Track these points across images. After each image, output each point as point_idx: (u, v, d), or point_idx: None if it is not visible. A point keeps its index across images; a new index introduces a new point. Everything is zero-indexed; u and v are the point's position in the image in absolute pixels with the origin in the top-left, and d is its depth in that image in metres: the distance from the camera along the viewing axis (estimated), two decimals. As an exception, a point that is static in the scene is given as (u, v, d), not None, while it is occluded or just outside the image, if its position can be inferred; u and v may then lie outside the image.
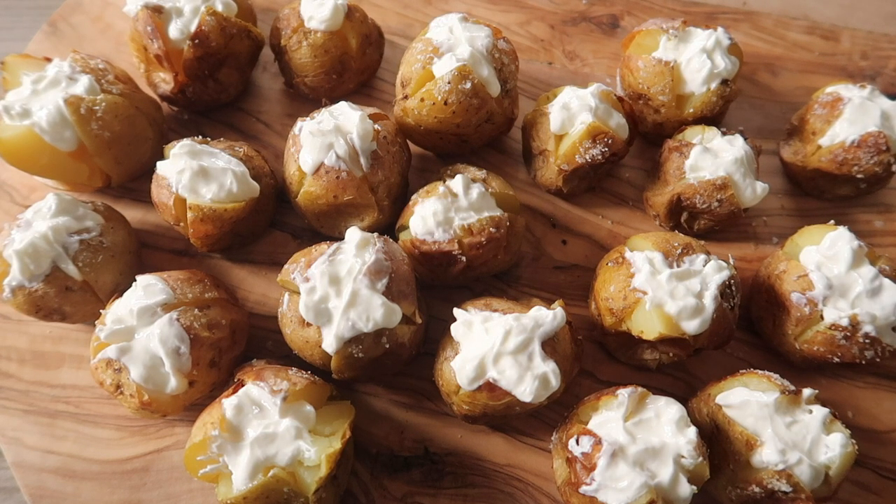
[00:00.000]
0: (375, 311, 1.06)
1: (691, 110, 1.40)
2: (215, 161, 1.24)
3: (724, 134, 1.36)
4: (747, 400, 1.09)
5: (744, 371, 1.18)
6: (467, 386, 1.06)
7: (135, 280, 1.16)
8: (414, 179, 1.44)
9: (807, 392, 1.10)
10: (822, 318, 1.19)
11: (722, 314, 1.15)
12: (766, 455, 1.04)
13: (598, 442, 1.03)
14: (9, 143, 1.22)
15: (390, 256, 1.11)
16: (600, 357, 1.33)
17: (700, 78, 1.36)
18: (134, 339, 1.09)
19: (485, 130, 1.35)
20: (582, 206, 1.48)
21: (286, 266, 1.15)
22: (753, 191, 1.31)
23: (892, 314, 1.16)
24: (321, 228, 1.35)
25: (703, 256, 1.20)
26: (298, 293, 1.09)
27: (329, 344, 1.07)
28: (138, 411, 1.10)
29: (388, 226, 1.34)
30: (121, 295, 1.15)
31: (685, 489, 1.00)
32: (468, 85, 1.23)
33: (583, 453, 1.05)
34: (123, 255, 1.26)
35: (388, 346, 1.10)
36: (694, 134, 1.38)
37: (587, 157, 1.31)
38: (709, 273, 1.16)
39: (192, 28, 1.33)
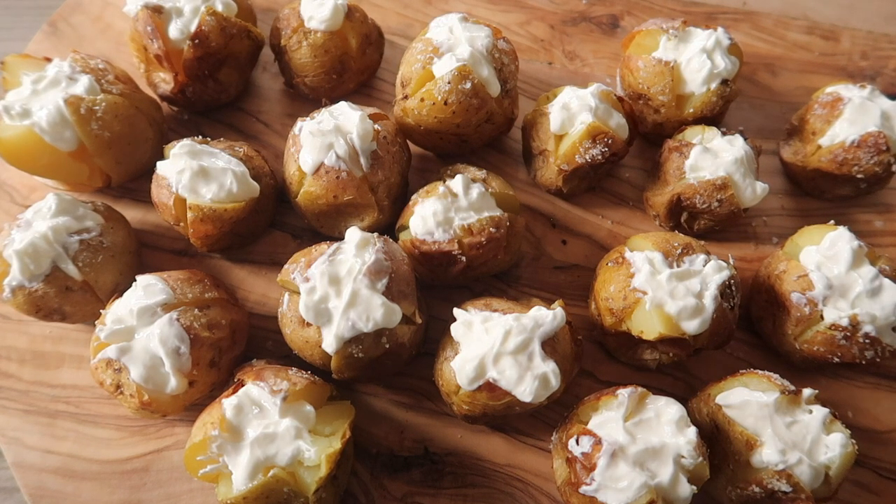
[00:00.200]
0: (375, 311, 1.06)
1: (691, 110, 1.40)
2: (215, 161, 1.24)
3: (724, 134, 1.36)
4: (747, 400, 1.09)
5: (744, 371, 1.18)
6: (467, 386, 1.06)
7: (135, 280, 1.16)
8: (414, 179, 1.44)
9: (807, 392, 1.10)
10: (822, 318, 1.19)
11: (722, 314, 1.15)
12: (766, 455, 1.04)
13: (598, 442, 1.03)
14: (9, 143, 1.22)
15: (390, 256, 1.11)
16: (600, 357, 1.33)
17: (700, 78, 1.36)
18: (134, 339, 1.09)
19: (485, 130, 1.35)
20: (582, 206, 1.48)
21: (286, 266, 1.15)
22: (753, 191, 1.31)
23: (892, 314, 1.16)
24: (321, 228, 1.35)
25: (703, 256, 1.20)
26: (298, 293, 1.09)
27: (329, 344, 1.07)
28: (138, 411, 1.10)
29: (388, 226, 1.34)
30: (121, 295, 1.15)
31: (685, 489, 1.00)
32: (468, 85, 1.23)
33: (583, 453, 1.05)
34: (123, 255, 1.26)
35: (388, 346, 1.10)
36: (694, 134, 1.38)
37: (587, 157, 1.31)
38: (709, 273, 1.16)
39: (192, 28, 1.33)
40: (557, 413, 1.23)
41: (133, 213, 1.40)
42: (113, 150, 1.30)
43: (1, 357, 1.28)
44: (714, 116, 1.41)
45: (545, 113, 1.36)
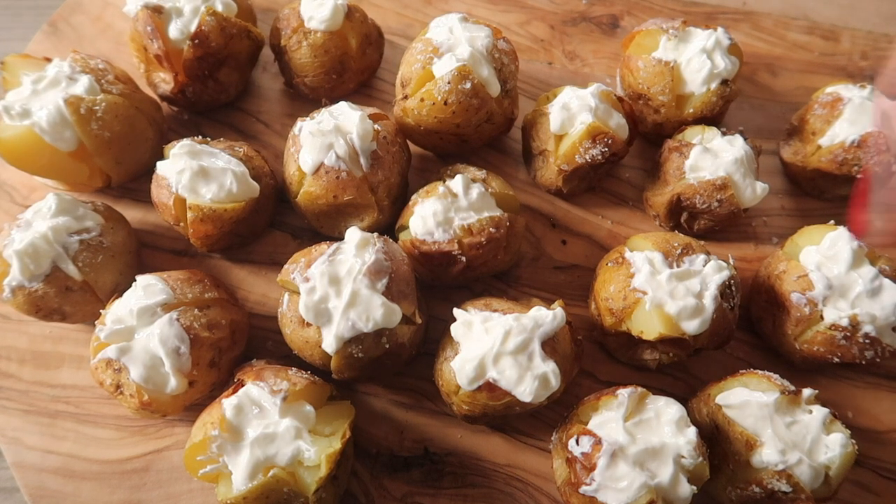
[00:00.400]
0: (375, 311, 1.06)
1: (691, 110, 1.40)
2: (215, 161, 1.24)
3: (724, 134, 1.36)
4: (747, 400, 1.09)
5: (744, 371, 1.18)
6: (467, 386, 1.06)
7: (135, 280, 1.16)
8: (414, 179, 1.44)
9: (807, 392, 1.10)
10: (822, 318, 1.19)
11: (722, 314, 1.15)
12: (766, 455, 1.04)
13: (598, 442, 1.03)
14: (9, 143, 1.22)
15: (390, 256, 1.11)
16: (600, 357, 1.33)
17: (700, 78, 1.36)
18: (134, 339, 1.09)
19: (485, 130, 1.35)
20: (582, 206, 1.48)
21: (286, 266, 1.15)
22: (753, 191, 1.31)
23: (892, 314, 1.16)
24: (321, 228, 1.35)
25: (703, 256, 1.20)
26: (298, 293, 1.09)
27: (329, 344, 1.07)
28: (138, 411, 1.10)
29: (388, 226, 1.34)
30: (121, 295, 1.15)
31: (685, 489, 1.00)
32: (468, 85, 1.23)
33: (583, 453, 1.05)
34: (123, 255, 1.26)
35: (388, 346, 1.10)
36: (694, 134, 1.38)
37: (587, 157, 1.31)
38: (709, 273, 1.16)
39: (192, 28, 1.33)
40: (557, 413, 1.23)
41: (133, 213, 1.40)
42: (113, 150, 1.30)
43: (1, 357, 1.28)
44: (714, 116, 1.41)
45: (545, 113, 1.36)
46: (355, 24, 1.44)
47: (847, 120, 1.37)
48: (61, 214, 1.19)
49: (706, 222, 1.38)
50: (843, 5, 1.78)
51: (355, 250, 1.10)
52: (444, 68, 1.24)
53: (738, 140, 1.34)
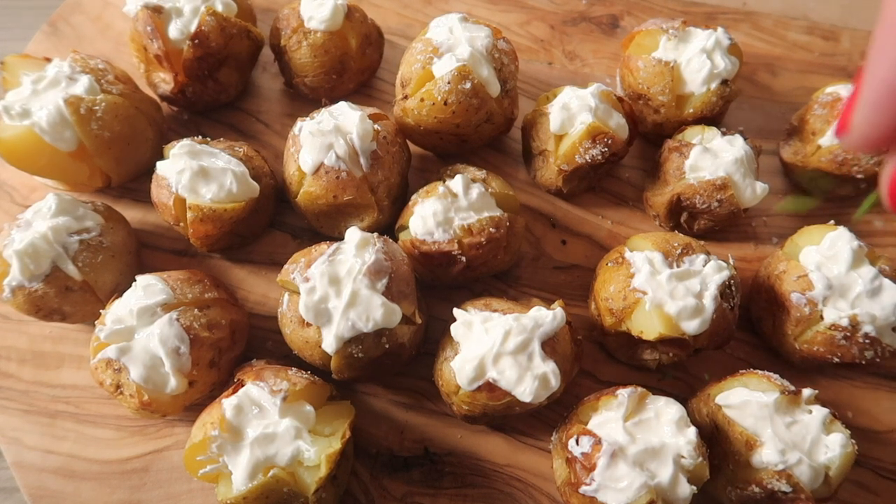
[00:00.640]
0: (375, 311, 1.06)
1: (691, 110, 1.40)
2: (215, 161, 1.24)
3: (724, 134, 1.36)
4: (747, 400, 1.09)
5: (744, 371, 1.18)
6: (467, 386, 1.06)
7: (135, 280, 1.16)
8: (414, 179, 1.44)
9: (807, 392, 1.10)
10: (821, 318, 1.19)
11: (722, 314, 1.15)
12: (766, 455, 1.04)
13: (597, 442, 1.03)
14: (9, 143, 1.22)
15: (390, 256, 1.11)
16: (600, 357, 1.33)
17: (700, 78, 1.36)
18: (134, 339, 1.09)
19: (484, 130, 1.35)
20: (582, 206, 1.48)
21: (286, 266, 1.15)
22: (753, 191, 1.31)
23: (892, 314, 1.16)
24: (321, 228, 1.35)
25: (703, 256, 1.20)
26: (298, 293, 1.09)
27: (329, 344, 1.07)
28: (138, 411, 1.10)
29: (388, 226, 1.34)
30: (121, 295, 1.15)
31: (685, 489, 1.00)
32: (468, 85, 1.23)
33: (583, 453, 1.05)
34: (123, 255, 1.26)
35: (388, 346, 1.10)
36: (694, 134, 1.38)
37: (587, 157, 1.31)
38: (709, 273, 1.16)
39: (192, 28, 1.33)
40: (557, 413, 1.23)
41: (133, 213, 1.40)
42: (113, 150, 1.30)
43: (1, 357, 1.28)
44: (714, 116, 1.41)
45: (545, 113, 1.36)
46: (355, 24, 1.44)
47: (847, 120, 1.37)
48: (61, 214, 1.19)
49: (706, 222, 1.38)
50: (843, 5, 1.78)
51: (355, 250, 1.10)
52: (444, 68, 1.24)
53: (738, 140, 1.34)
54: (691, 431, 1.04)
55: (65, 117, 1.22)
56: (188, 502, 1.18)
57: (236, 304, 1.27)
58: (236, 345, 1.20)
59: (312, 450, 1.01)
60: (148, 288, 1.14)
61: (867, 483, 1.25)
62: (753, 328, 1.36)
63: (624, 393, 1.07)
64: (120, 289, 1.20)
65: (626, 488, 0.99)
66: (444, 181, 1.27)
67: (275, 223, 1.43)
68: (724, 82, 1.37)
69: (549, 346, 1.07)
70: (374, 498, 1.19)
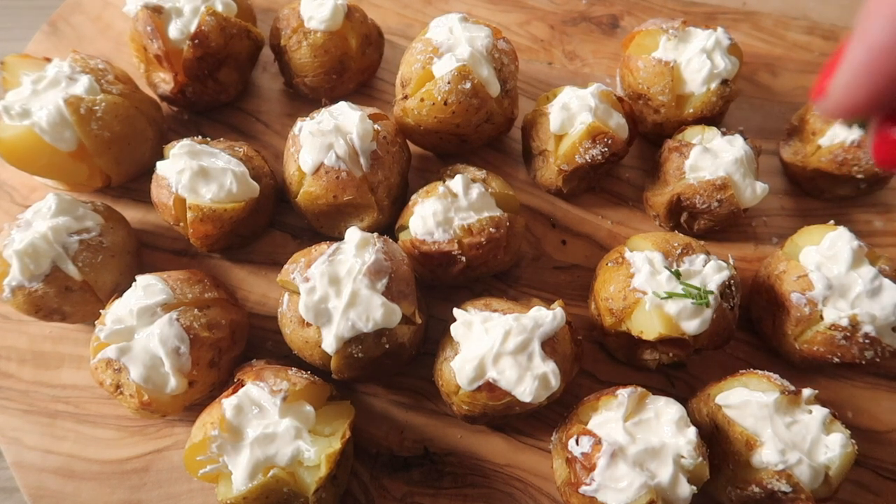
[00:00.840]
0: (375, 311, 1.06)
1: (691, 110, 1.40)
2: (215, 161, 1.24)
3: (724, 134, 1.36)
4: (747, 400, 1.09)
5: (744, 371, 1.18)
6: (467, 386, 1.06)
7: (135, 280, 1.16)
8: (414, 179, 1.44)
9: (807, 392, 1.10)
10: (821, 318, 1.19)
11: (722, 314, 1.15)
12: (766, 455, 1.04)
13: (597, 442, 1.03)
14: (9, 143, 1.22)
15: (390, 256, 1.11)
16: (600, 357, 1.33)
17: (700, 78, 1.36)
18: (134, 339, 1.09)
19: (484, 130, 1.35)
20: (582, 206, 1.48)
21: (286, 266, 1.15)
22: (753, 191, 1.31)
23: (892, 314, 1.16)
24: (321, 228, 1.35)
25: (703, 256, 1.20)
26: (298, 293, 1.09)
27: (329, 344, 1.07)
28: (138, 411, 1.10)
29: (388, 226, 1.34)
30: (121, 295, 1.15)
31: (685, 489, 1.00)
32: (468, 85, 1.23)
33: (583, 453, 1.05)
34: (123, 255, 1.26)
35: (387, 346, 1.10)
36: (694, 134, 1.38)
37: (587, 157, 1.31)
38: (709, 273, 1.16)
39: (192, 28, 1.33)
40: (557, 413, 1.23)
41: (133, 213, 1.40)
42: (113, 150, 1.30)
43: (1, 357, 1.28)
44: (714, 116, 1.41)
45: (545, 113, 1.36)
46: (355, 24, 1.44)
47: (847, 120, 1.37)
48: (61, 214, 1.19)
49: (706, 222, 1.38)
50: (843, 5, 1.78)
51: (355, 250, 1.10)
52: (444, 68, 1.24)
53: (738, 140, 1.34)
54: (691, 431, 1.04)
55: (65, 117, 1.22)
56: (188, 502, 1.18)
57: (236, 304, 1.27)
58: (236, 345, 1.20)
59: (312, 450, 1.01)
60: (148, 288, 1.14)
61: (867, 483, 1.25)
62: (753, 328, 1.36)
63: (624, 393, 1.07)
64: (120, 289, 1.20)
65: (626, 488, 0.99)
66: (444, 181, 1.27)
67: (275, 223, 1.43)
68: (724, 82, 1.37)
69: (549, 346, 1.07)
70: (374, 498, 1.19)
